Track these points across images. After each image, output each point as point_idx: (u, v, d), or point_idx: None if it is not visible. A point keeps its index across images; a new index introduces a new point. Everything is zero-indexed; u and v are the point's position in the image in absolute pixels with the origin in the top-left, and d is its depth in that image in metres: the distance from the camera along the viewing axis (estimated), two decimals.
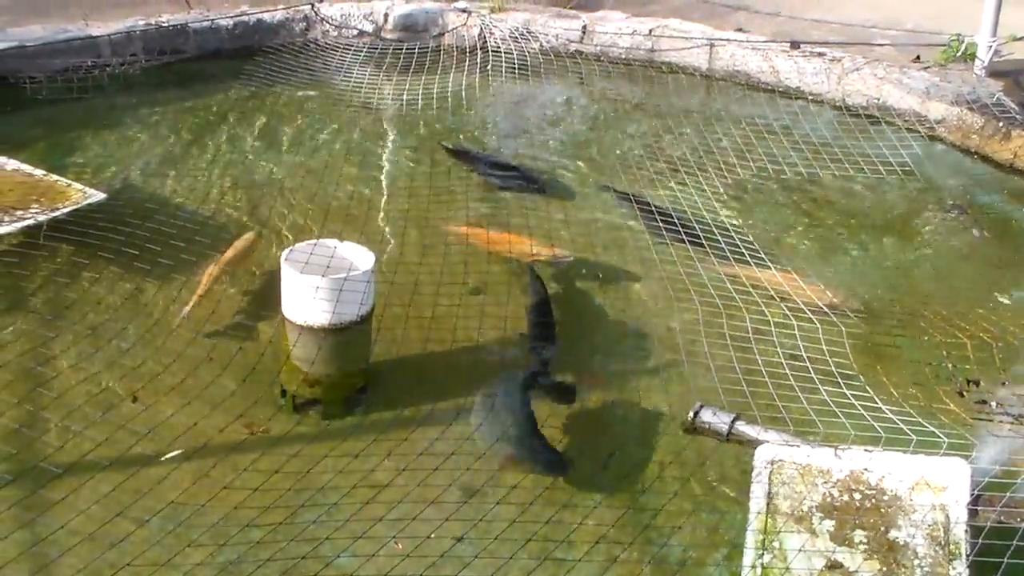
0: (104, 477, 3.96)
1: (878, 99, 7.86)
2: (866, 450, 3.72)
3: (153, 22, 8.19)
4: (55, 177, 5.82)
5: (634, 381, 4.80)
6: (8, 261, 5.27)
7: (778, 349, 4.74)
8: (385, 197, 6.43)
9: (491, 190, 6.49)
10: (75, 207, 5.52)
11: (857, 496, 3.58)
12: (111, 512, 3.78)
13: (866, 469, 3.65)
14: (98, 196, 5.66)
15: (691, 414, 4.22)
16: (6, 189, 5.62)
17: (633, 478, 4.17)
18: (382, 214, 6.19)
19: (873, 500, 3.56)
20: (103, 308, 5.06)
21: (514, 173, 6.66)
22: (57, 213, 5.44)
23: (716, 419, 4.17)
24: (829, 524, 3.50)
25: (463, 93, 7.85)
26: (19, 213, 5.38)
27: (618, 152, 7.18)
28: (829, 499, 3.58)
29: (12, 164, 5.91)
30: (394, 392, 4.60)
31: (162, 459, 4.08)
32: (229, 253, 5.40)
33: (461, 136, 7.38)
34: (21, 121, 7.03)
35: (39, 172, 5.85)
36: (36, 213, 5.41)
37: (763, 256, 5.61)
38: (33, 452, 4.09)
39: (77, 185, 5.76)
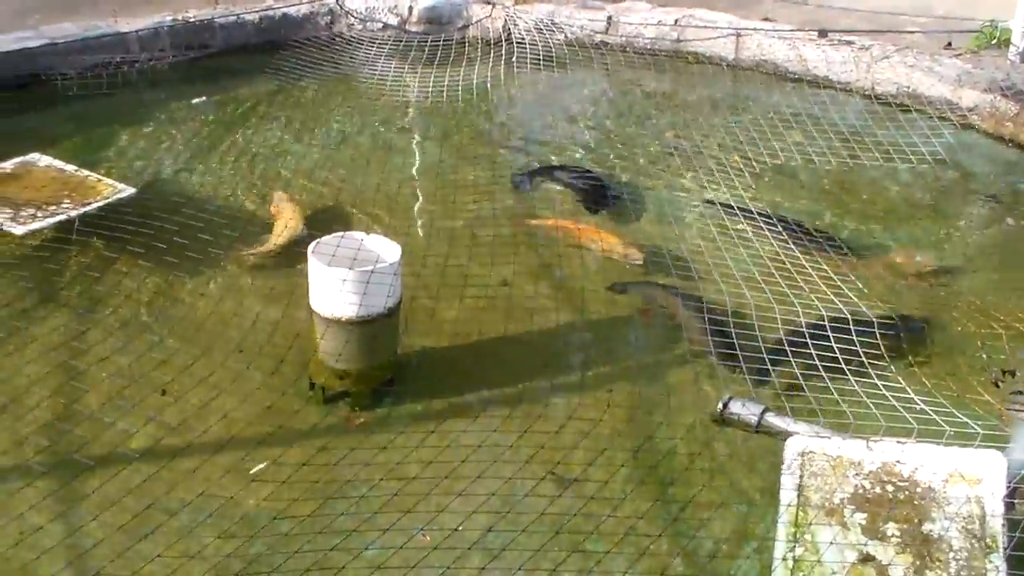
0: (136, 469, 3.99)
1: (908, 87, 7.77)
2: (898, 442, 3.68)
3: (180, 18, 8.24)
4: (86, 172, 5.86)
5: (663, 372, 4.78)
6: (41, 256, 5.33)
7: (807, 340, 4.69)
8: (412, 189, 6.43)
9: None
10: (105, 202, 5.56)
11: (889, 488, 3.54)
12: (143, 504, 3.81)
13: (898, 461, 3.60)
14: (128, 191, 5.70)
15: (720, 405, 4.19)
16: (39, 185, 5.67)
17: (662, 470, 4.15)
18: (409, 206, 6.19)
19: (906, 492, 3.51)
20: (133, 301, 5.10)
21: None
22: (88, 208, 5.48)
23: (745, 410, 4.13)
24: (861, 517, 3.46)
25: (488, 85, 7.84)
26: (51, 208, 5.43)
27: (647, 143, 7.15)
28: (861, 491, 3.54)
29: (45, 160, 5.95)
30: (421, 384, 4.60)
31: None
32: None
33: (489, 127, 7.38)
34: (53, 118, 7.11)
35: (70, 168, 5.90)
36: (68, 208, 5.45)
37: (792, 246, 5.55)
38: (66, 444, 4.13)
39: (107, 180, 5.80)
